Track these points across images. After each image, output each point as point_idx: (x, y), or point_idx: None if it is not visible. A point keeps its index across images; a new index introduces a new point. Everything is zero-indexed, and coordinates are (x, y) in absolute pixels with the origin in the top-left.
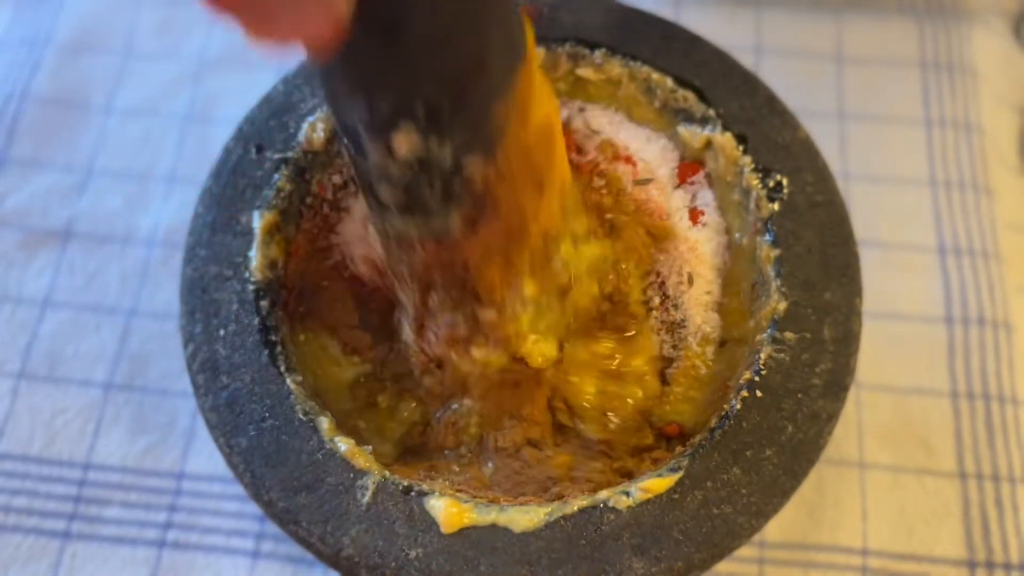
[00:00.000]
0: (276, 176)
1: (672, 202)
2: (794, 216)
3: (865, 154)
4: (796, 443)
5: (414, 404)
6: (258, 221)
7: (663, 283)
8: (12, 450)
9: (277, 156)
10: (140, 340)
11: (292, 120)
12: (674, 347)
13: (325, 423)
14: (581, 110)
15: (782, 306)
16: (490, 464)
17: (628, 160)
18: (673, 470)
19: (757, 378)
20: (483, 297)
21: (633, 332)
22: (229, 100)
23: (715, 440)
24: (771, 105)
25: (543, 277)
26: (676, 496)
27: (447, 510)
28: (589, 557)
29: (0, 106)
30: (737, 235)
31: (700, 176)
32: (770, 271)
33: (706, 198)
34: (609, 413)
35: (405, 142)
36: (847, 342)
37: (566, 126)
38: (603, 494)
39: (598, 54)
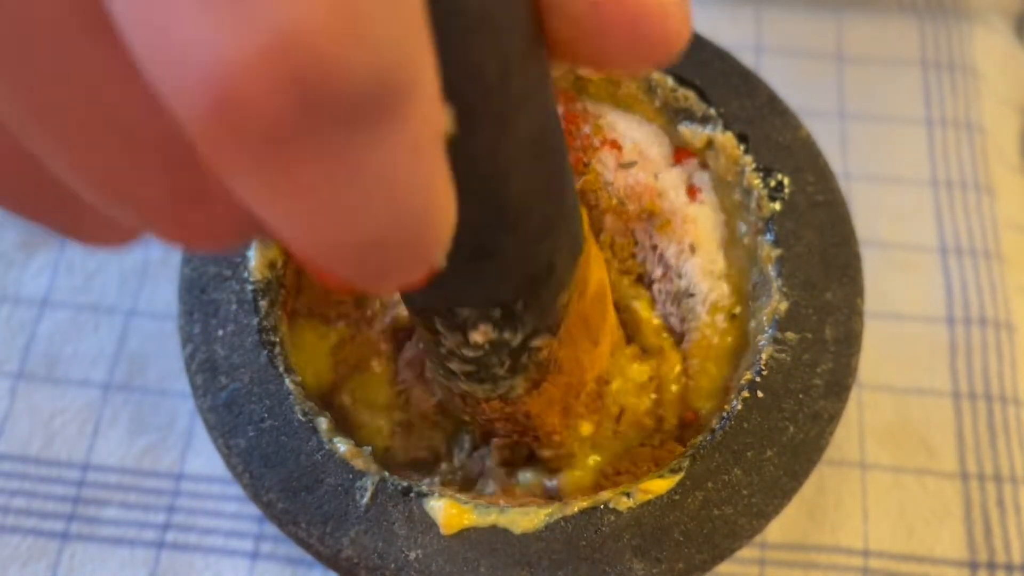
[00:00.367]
0: None
1: (667, 180)
2: (795, 216)
3: (866, 154)
4: (797, 444)
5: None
6: None
7: (662, 255)
8: (10, 450)
9: None
10: (139, 340)
11: None
12: (683, 320)
13: (324, 423)
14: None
15: (783, 306)
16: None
17: (613, 144)
18: (674, 471)
19: (758, 378)
20: (543, 440)
21: (661, 350)
22: None
23: (716, 441)
24: (772, 104)
25: (598, 415)
26: (677, 497)
27: (447, 511)
28: (589, 558)
29: None
30: (740, 225)
31: (694, 161)
32: (771, 271)
33: (703, 178)
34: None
35: (481, 336)
36: (848, 342)
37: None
38: (604, 495)
39: None
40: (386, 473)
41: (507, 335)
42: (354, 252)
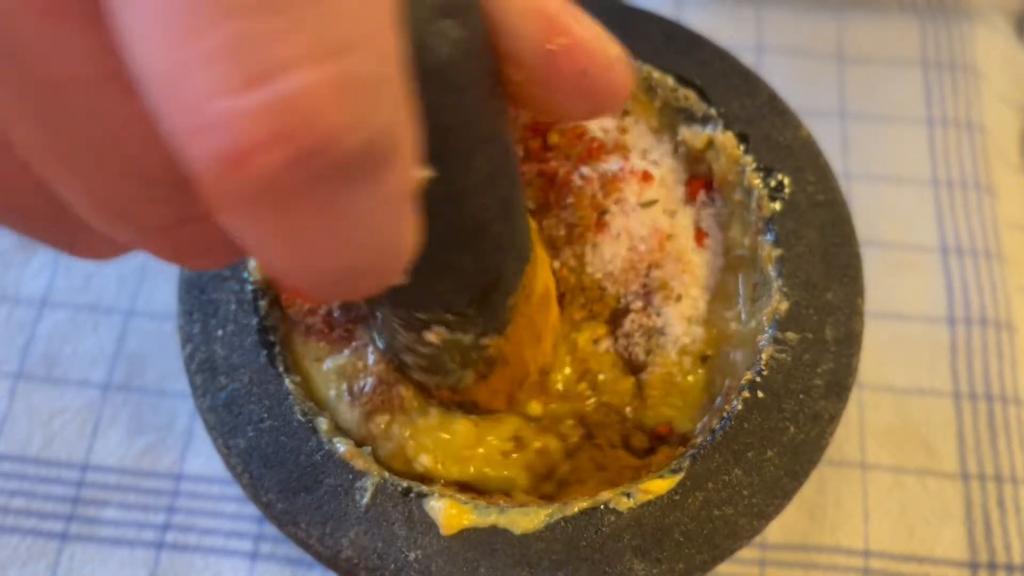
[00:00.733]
0: None
1: (680, 220)
2: (796, 216)
3: (867, 153)
4: (798, 444)
5: None
6: None
7: (648, 293)
8: (10, 451)
9: None
10: (138, 340)
11: None
12: (648, 352)
13: (324, 424)
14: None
15: (784, 306)
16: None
17: (645, 177)
18: (674, 471)
19: (758, 378)
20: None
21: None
22: None
23: (716, 441)
24: (772, 104)
25: (545, 400)
26: (677, 497)
27: (447, 511)
28: (590, 559)
29: None
30: (738, 251)
31: (704, 195)
32: (771, 271)
33: (712, 216)
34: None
35: (436, 337)
36: (849, 342)
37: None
38: (604, 495)
39: None
40: (386, 473)
41: (459, 335)
42: (329, 277)
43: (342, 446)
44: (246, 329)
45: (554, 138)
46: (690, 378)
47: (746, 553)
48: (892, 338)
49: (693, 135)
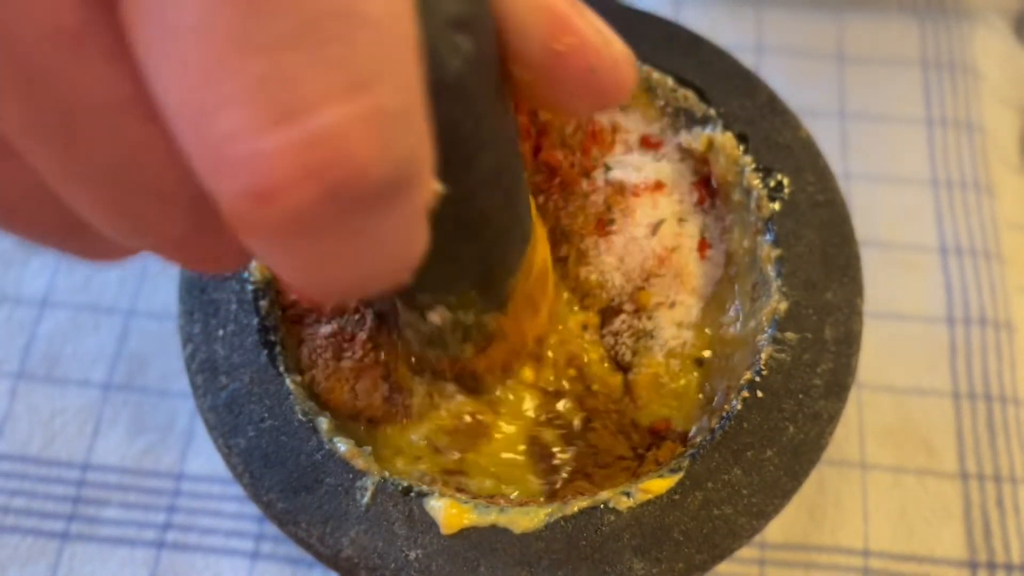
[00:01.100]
0: None
1: (687, 230)
2: (795, 216)
3: (866, 153)
4: (797, 444)
5: None
6: None
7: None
8: (10, 450)
9: None
10: (139, 340)
11: None
12: (634, 353)
13: (324, 423)
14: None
15: (783, 306)
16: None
17: (658, 186)
18: (674, 471)
19: (758, 378)
20: (487, 388)
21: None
22: None
23: (716, 440)
24: (772, 104)
25: (537, 367)
26: (677, 497)
27: (447, 511)
28: (589, 558)
29: None
30: (733, 269)
31: (710, 201)
32: (771, 271)
33: (714, 222)
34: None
35: (438, 317)
36: (848, 342)
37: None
38: (603, 495)
39: None
40: (387, 473)
41: (461, 315)
42: (342, 287)
43: (342, 446)
44: (247, 329)
45: (545, 114)
46: (683, 381)
47: (746, 552)
48: (891, 338)
49: (693, 138)
